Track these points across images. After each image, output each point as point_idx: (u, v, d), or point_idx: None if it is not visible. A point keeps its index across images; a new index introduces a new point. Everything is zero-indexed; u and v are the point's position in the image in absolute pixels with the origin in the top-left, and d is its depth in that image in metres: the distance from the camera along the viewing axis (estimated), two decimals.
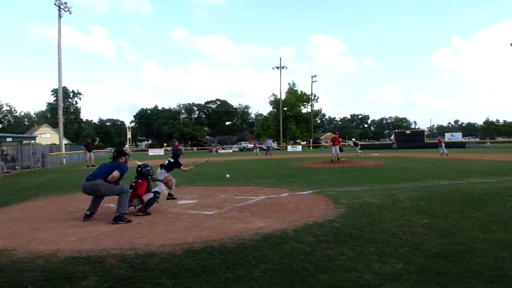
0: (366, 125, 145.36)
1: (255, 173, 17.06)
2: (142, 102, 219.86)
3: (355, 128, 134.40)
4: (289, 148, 65.51)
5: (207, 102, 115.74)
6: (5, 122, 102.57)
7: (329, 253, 4.44)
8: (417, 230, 5.50)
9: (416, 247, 4.59)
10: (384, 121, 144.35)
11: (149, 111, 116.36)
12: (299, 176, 14.53)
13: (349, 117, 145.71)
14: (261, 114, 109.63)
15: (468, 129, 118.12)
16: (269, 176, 14.66)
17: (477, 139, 72.10)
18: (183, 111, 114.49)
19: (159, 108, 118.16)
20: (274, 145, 40.11)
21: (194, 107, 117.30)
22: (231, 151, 68.66)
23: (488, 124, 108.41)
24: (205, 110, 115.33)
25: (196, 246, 4.80)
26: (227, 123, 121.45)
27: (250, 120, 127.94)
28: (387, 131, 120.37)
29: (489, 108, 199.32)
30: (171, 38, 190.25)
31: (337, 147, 22.42)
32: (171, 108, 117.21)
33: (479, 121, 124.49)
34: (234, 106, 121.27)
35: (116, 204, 6.80)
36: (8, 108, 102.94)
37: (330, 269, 3.89)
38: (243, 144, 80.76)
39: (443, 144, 31.03)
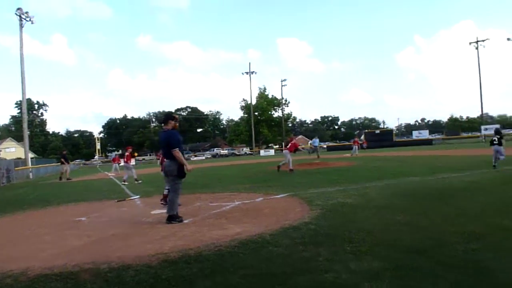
0: (336, 127, 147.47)
1: (229, 179, 17.00)
2: (110, 112, 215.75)
3: (326, 130, 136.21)
4: (262, 152, 65.78)
5: (178, 110, 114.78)
6: None
7: (306, 255, 4.45)
8: (391, 227, 5.61)
9: (391, 244, 4.68)
10: (354, 122, 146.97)
11: (118, 121, 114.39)
12: (273, 180, 14.57)
13: (319, 119, 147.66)
14: (232, 120, 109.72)
15: (434, 126, 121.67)
16: (244, 181, 14.63)
17: (443, 136, 74.42)
18: (153, 120, 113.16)
19: (128, 117, 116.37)
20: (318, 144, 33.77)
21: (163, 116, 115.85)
22: (204, 158, 68.28)
23: (453, 121, 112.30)
24: None
25: (172, 255, 4.72)
26: (198, 130, 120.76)
27: (222, 126, 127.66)
28: (357, 131, 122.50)
29: (453, 105, 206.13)
30: (136, 44, 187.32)
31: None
32: (141, 117, 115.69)
33: (444, 118, 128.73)
34: (205, 113, 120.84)
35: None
36: None
37: (308, 270, 3.91)
38: (216, 150, 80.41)
39: (357, 145, 34.03)
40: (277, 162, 28.37)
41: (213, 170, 25.42)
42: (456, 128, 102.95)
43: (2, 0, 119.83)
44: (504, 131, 57.02)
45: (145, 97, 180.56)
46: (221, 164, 34.32)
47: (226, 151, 77.51)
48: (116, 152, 34.46)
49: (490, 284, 3.33)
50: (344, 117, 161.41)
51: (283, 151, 17.87)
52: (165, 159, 7.36)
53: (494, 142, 14.06)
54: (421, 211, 6.62)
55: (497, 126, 21.38)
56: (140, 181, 17.79)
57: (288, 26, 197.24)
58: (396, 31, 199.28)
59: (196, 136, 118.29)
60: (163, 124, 7.44)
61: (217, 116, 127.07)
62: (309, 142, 37.73)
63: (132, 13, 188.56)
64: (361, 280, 3.53)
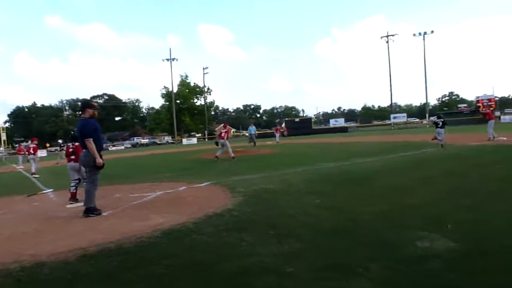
0: (258, 115, 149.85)
1: (150, 168, 16.58)
2: (16, 99, 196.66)
3: (248, 118, 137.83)
4: (184, 141, 64.89)
5: (94, 97, 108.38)
6: None
7: (230, 241, 4.51)
8: (310, 210, 5.88)
9: (311, 226, 4.91)
10: (275, 110, 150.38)
11: (26, 109, 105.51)
12: (196, 168, 14.49)
13: (241, 107, 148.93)
14: (153, 108, 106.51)
15: (350, 115, 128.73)
16: (165, 171, 14.35)
17: (357, 124, 79.16)
18: (66, 108, 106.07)
19: (38, 105, 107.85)
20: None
21: (79, 103, 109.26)
22: (123, 147, 65.65)
23: (366, 109, 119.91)
24: None
25: (91, 250, 4.50)
26: (117, 119, 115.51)
27: (142, 115, 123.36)
28: (278, 119, 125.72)
29: (366, 95, 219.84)
30: (43, 26, 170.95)
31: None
32: (53, 104, 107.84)
33: (359, 107, 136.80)
34: (124, 101, 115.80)
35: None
36: None
37: (232, 256, 3.97)
38: (136, 139, 77.68)
39: (279, 133, 35.58)
40: (201, 151, 28.21)
41: (133, 160, 24.60)
42: (369, 116, 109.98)
43: None
44: (409, 119, 62.34)
45: (57, 83, 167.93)
46: (142, 154, 33.29)
47: (147, 140, 75.15)
48: (24, 143, 31.09)
49: (396, 257, 3.64)
50: (265, 106, 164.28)
51: (220, 140, 16.97)
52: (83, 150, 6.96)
53: (438, 125, 16.36)
54: (338, 194, 7.04)
55: (438, 112, 24.87)
56: (37, 176, 16.51)
57: (209, 12, 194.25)
58: (314, 21, 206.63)
59: (114, 125, 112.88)
60: (80, 113, 7.06)
61: (137, 104, 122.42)
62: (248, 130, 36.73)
63: None
64: (283, 262, 3.67)
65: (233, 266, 3.69)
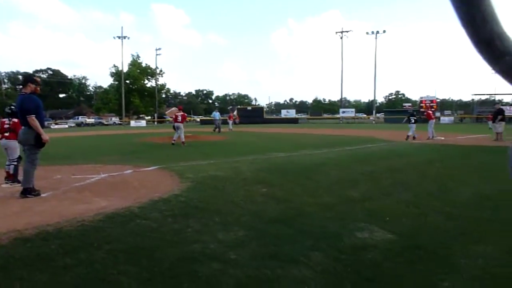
0: (210, 101, 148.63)
1: (95, 150, 15.98)
2: None
3: (200, 104, 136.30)
4: (133, 123, 63.06)
5: (36, 71, 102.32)
6: None
7: (175, 227, 4.48)
8: (257, 199, 5.95)
9: (256, 215, 4.98)
10: (228, 97, 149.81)
11: None
12: (144, 152, 14.17)
13: (194, 92, 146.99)
14: (100, 87, 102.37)
15: (301, 107, 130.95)
16: (111, 153, 13.90)
17: (308, 116, 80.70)
18: (5, 81, 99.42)
19: None
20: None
21: (20, 76, 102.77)
22: (66, 126, 62.77)
23: (317, 102, 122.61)
24: None
25: (27, 233, 4.29)
26: (61, 96, 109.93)
27: (88, 93, 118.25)
28: (230, 107, 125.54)
29: (318, 88, 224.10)
30: None
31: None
32: None
33: (310, 99, 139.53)
34: (69, 77, 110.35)
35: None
36: None
37: (177, 242, 3.95)
38: (81, 118, 74.49)
39: (232, 120, 34.14)
40: (150, 134, 27.61)
41: (77, 140, 23.60)
42: (319, 109, 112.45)
43: None
44: (357, 115, 64.49)
45: None
46: (87, 134, 31.99)
47: (93, 120, 72.28)
48: None
49: (337, 247, 3.79)
50: (218, 92, 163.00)
51: (175, 124, 16.49)
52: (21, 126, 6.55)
53: (411, 122, 18.60)
54: (284, 184, 7.17)
55: (411, 110, 26.85)
56: None
57: None
58: (272, 10, 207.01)
59: (58, 102, 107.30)
60: (21, 87, 6.67)
61: (83, 81, 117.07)
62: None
63: None
64: (227, 249, 3.70)
65: (178, 252, 3.68)
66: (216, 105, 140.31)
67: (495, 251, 3.70)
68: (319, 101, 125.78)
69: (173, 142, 16.76)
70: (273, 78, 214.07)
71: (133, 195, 6.26)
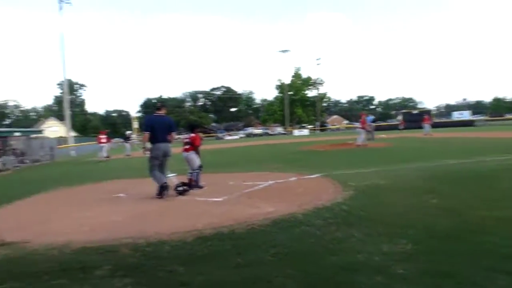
0: (372, 106, 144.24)
1: (262, 158, 17.09)
2: (144, 92, 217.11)
3: (361, 110, 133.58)
4: (296, 132, 65.44)
5: (212, 89, 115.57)
6: (13, 117, 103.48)
7: (338, 235, 4.46)
8: (426, 210, 5.49)
9: (426, 228, 4.59)
10: (391, 102, 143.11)
11: (154, 100, 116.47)
12: (307, 160, 14.54)
13: (355, 98, 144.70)
14: (266, 99, 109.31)
15: (478, 107, 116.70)
16: (277, 161, 14.67)
17: (487, 117, 71.25)
18: (188, 99, 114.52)
19: (164, 97, 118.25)
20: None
21: (199, 95, 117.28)
22: (237, 137, 68.72)
23: (497, 101, 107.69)
24: (210, 97, 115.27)
25: (206, 232, 4.85)
26: (232, 110, 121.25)
27: (256, 106, 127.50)
28: (394, 111, 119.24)
29: (497, 85, 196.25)
30: (163, 22, 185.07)
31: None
32: (176, 96, 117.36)
33: (488, 99, 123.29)
34: (239, 92, 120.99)
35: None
36: (14, 103, 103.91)
37: (340, 251, 3.92)
38: (249, 130, 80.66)
39: (429, 123, 31.44)
40: (312, 142, 28.20)
41: (246, 149, 25.60)
42: (500, 109, 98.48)
43: None
44: None
45: (179, 76, 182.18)
46: (255, 143, 34.46)
47: (260, 130, 77.61)
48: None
49: None
50: (380, 97, 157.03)
51: (357, 129, 18.32)
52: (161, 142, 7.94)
53: None
54: (458, 195, 6.44)
55: None
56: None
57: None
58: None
59: (230, 115, 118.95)
60: (157, 110, 8.23)
61: (250, 95, 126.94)
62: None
63: None
64: (393, 263, 3.51)
65: (340, 261, 3.65)
66: (379, 110, 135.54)
67: None
68: (500, 99, 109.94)
69: (360, 145, 19.04)
70: (441, 78, 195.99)
71: (297, 202, 6.47)
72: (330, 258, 3.74)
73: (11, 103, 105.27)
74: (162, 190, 7.70)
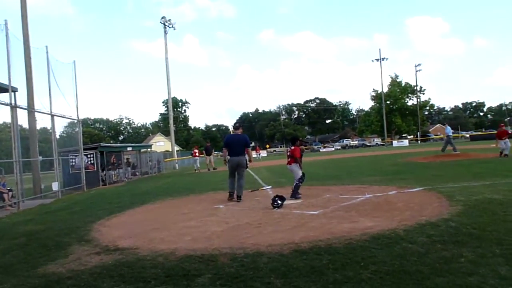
0: (481, 114, 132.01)
1: (359, 170, 16.59)
2: (242, 106, 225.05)
3: (468, 118, 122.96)
4: (395, 143, 62.43)
5: (306, 102, 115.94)
6: (125, 133, 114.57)
7: (445, 254, 4.11)
8: None
9: None
10: (504, 107, 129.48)
11: (250, 115, 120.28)
12: (408, 172, 13.75)
13: (460, 105, 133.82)
14: (362, 110, 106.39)
15: None
16: (375, 174, 14.12)
17: None
18: (283, 112, 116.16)
19: (260, 111, 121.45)
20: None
21: (294, 107, 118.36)
22: (333, 149, 67.75)
23: None
24: (305, 110, 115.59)
25: (303, 246, 4.81)
26: (327, 121, 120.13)
27: (351, 117, 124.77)
28: (508, 118, 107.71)
29: None
30: (259, 40, 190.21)
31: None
32: (271, 110, 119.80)
33: None
34: (334, 104, 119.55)
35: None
36: (127, 120, 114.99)
37: (448, 272, 3.60)
38: (345, 141, 79.01)
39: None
40: (413, 154, 26.62)
41: (342, 162, 25.07)
42: None
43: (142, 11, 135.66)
44: None
45: (274, 90, 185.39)
46: (351, 156, 33.62)
47: (356, 142, 75.64)
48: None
49: None
50: (490, 103, 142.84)
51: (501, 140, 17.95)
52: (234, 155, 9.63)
53: None
54: None
55: None
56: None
57: (417, 3, 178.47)
58: None
59: (325, 127, 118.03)
60: (234, 129, 10.27)
61: (346, 106, 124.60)
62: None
63: (253, 8, 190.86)
64: None
65: (448, 282, 3.35)
66: (489, 117, 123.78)
67: None
68: None
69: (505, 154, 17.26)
70: None
71: (398, 217, 6.14)
72: (436, 279, 3.46)
73: (124, 121, 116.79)
74: (229, 196, 9.70)
